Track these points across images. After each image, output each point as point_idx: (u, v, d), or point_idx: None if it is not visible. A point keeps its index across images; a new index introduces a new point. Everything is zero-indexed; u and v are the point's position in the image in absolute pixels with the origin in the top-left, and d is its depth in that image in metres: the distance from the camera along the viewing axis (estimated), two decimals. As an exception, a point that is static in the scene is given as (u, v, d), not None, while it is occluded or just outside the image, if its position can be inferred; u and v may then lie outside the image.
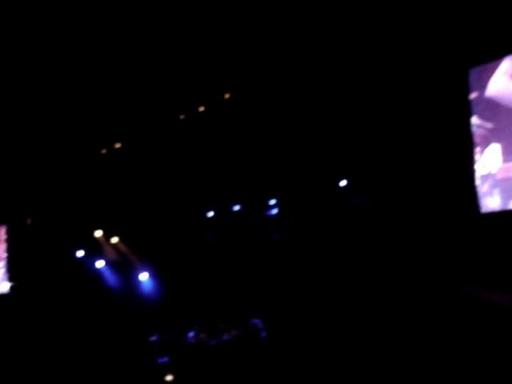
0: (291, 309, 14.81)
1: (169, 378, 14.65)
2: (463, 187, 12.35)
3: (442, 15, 11.85)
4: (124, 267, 17.41)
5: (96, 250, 17.34)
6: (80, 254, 17.28)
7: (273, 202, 16.15)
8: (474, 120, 12.12)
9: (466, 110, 12.42)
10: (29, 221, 17.17)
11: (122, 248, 17.39)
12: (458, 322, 11.59)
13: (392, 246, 13.28)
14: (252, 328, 14.43)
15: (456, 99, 12.57)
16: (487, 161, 11.94)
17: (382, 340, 12.61)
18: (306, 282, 15.00)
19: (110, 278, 17.31)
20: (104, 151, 16.12)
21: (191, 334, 15.69)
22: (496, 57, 11.76)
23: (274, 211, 16.25)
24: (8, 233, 18.36)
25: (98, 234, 17.32)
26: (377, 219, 13.91)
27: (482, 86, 12.02)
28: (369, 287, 13.48)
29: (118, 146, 16.01)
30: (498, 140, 11.81)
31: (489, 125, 11.95)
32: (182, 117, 15.47)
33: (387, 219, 13.60)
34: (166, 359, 15.33)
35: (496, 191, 11.77)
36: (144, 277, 17.20)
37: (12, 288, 17.85)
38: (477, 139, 12.16)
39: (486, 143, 12.02)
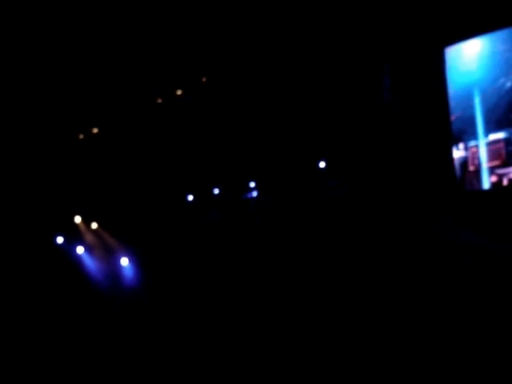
0: (274, 293, 14.87)
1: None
2: (442, 166, 12.43)
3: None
4: (105, 253, 17.33)
5: (76, 236, 17.24)
6: (59, 240, 17.15)
7: (252, 184, 16.20)
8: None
9: (443, 89, 12.50)
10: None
11: (102, 234, 17.30)
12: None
13: (371, 227, 13.37)
14: None
15: (433, 78, 12.64)
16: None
17: (362, 327, 12.68)
18: (287, 265, 15.09)
19: (91, 264, 17.21)
20: (81, 136, 16.00)
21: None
22: (470, 35, 11.96)
23: (254, 194, 16.29)
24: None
25: (78, 219, 17.21)
26: (356, 200, 14.00)
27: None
28: (350, 269, 13.57)
29: (95, 130, 15.90)
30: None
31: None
32: (159, 100, 15.37)
33: (366, 200, 13.68)
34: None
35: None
36: (125, 262, 17.12)
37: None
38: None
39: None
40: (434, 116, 12.51)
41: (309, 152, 14.66)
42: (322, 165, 14.84)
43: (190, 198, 16.90)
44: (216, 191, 16.64)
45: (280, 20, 12.98)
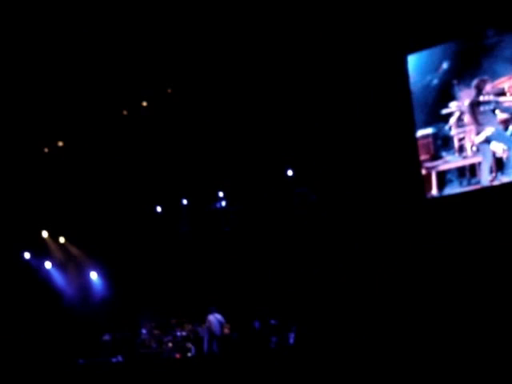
0: (245, 299, 14.88)
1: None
2: (407, 174, 12.55)
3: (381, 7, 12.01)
4: (72, 267, 17.19)
5: (43, 250, 17.06)
6: (27, 255, 16.97)
7: (220, 194, 16.18)
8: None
9: (407, 96, 12.64)
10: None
11: (70, 248, 17.15)
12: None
13: (339, 234, 13.42)
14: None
15: (396, 86, 12.76)
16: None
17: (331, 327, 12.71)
18: (257, 272, 15.12)
19: (59, 278, 17.07)
20: (46, 150, 15.78)
21: (144, 331, 15.63)
22: (432, 44, 12.26)
23: (223, 203, 16.27)
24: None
25: (45, 234, 17.03)
26: (323, 208, 14.05)
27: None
28: (319, 275, 13.63)
29: (60, 144, 15.69)
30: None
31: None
32: (124, 112, 15.24)
33: (333, 208, 13.73)
34: (119, 358, 15.19)
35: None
36: (94, 276, 17.04)
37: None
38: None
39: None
40: (399, 125, 12.69)
41: (276, 160, 14.67)
42: (290, 173, 14.87)
43: (159, 209, 16.85)
44: (185, 202, 16.61)
45: (239, 40, 13.04)
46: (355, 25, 12.37)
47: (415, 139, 12.46)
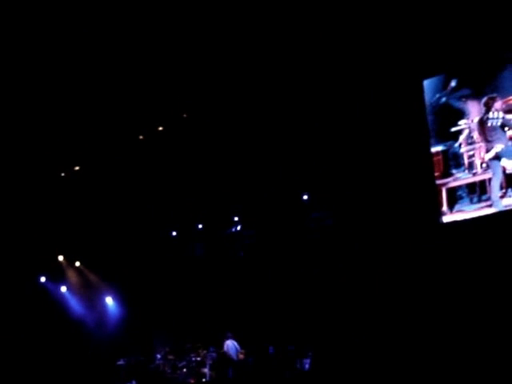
0: (261, 324, 14.79)
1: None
2: (424, 198, 12.49)
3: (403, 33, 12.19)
4: (88, 291, 17.25)
5: (59, 274, 17.17)
6: (43, 279, 17.09)
7: (235, 218, 16.20)
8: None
9: (424, 119, 12.68)
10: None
11: (86, 272, 17.23)
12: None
13: (355, 258, 13.32)
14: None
15: (413, 109, 12.79)
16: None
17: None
18: (271, 297, 15.03)
19: (74, 303, 17.12)
20: (63, 174, 15.98)
21: (159, 355, 15.56)
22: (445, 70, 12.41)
23: (237, 228, 16.28)
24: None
25: (61, 258, 17.16)
26: (339, 231, 13.97)
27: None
28: (336, 298, 13.50)
29: (77, 168, 15.89)
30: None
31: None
32: (140, 137, 15.40)
33: (349, 231, 13.65)
34: (133, 383, 15.13)
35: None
36: (109, 301, 17.08)
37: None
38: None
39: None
40: (415, 148, 12.73)
41: (292, 185, 14.69)
42: (305, 197, 14.87)
43: (174, 233, 16.91)
44: (200, 226, 16.65)
45: (251, 62, 13.18)
46: (377, 51, 12.55)
47: (431, 158, 12.45)
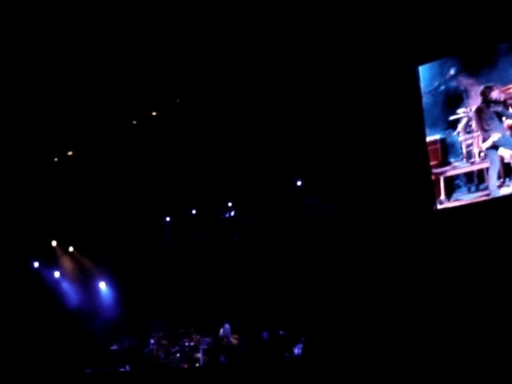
0: (253, 310, 14.82)
1: None
2: (419, 184, 12.52)
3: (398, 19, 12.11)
4: (81, 277, 17.21)
5: (52, 260, 17.11)
6: (36, 264, 17.02)
7: (229, 204, 16.18)
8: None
9: (419, 106, 12.66)
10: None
11: (79, 257, 17.18)
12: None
13: (350, 243, 13.35)
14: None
15: (408, 96, 12.76)
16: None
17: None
18: (265, 282, 15.08)
19: (68, 288, 17.09)
20: (56, 159, 15.88)
21: (152, 341, 15.58)
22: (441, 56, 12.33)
23: (231, 213, 16.26)
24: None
25: (54, 244, 17.09)
26: (334, 218, 14.00)
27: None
28: (329, 286, 13.55)
29: (70, 153, 15.78)
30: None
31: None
32: (134, 122, 15.30)
33: (344, 217, 13.67)
34: (127, 368, 15.16)
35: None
36: (102, 286, 17.04)
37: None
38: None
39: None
40: (410, 135, 12.70)
41: (286, 170, 14.67)
42: (299, 183, 14.85)
43: (168, 219, 16.88)
44: (193, 211, 16.62)
45: (244, 50, 13.11)
46: (371, 37, 12.47)
47: (426, 147, 12.44)
